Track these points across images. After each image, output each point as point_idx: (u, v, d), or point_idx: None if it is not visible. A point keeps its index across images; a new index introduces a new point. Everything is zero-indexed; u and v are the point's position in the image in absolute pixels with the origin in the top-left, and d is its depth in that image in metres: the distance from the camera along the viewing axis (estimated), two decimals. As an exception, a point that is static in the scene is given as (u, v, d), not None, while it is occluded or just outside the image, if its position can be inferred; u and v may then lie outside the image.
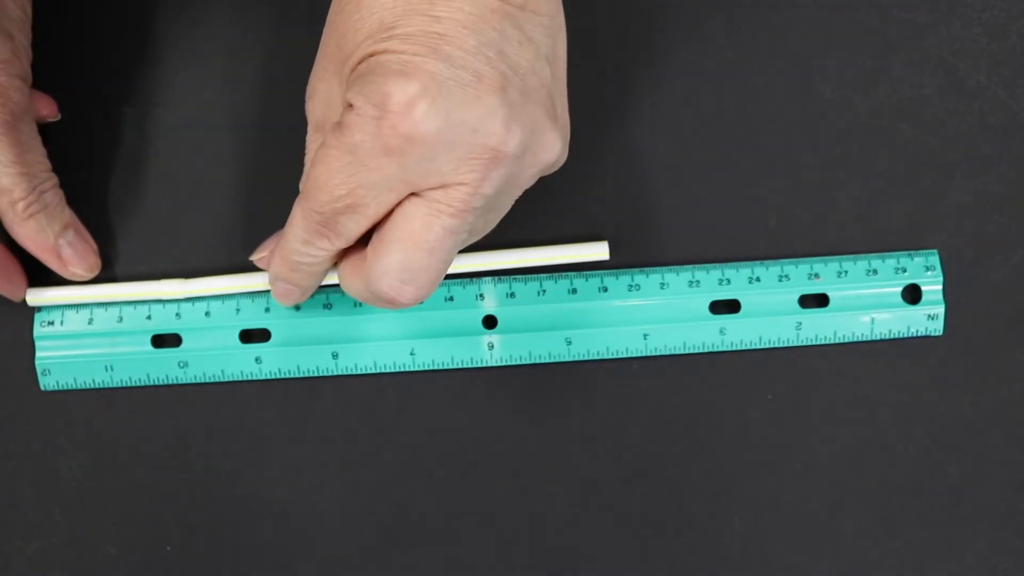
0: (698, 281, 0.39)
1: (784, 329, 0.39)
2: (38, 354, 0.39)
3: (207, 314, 0.39)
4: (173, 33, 0.40)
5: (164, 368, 0.39)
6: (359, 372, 0.39)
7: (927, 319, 0.39)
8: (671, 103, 0.40)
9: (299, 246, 0.33)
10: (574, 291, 0.39)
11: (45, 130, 0.38)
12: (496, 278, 0.39)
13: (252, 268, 0.38)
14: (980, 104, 0.40)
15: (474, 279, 0.39)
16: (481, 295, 0.39)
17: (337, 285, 0.37)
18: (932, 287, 0.39)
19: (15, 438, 0.39)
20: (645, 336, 0.39)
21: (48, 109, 0.39)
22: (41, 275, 0.39)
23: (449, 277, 0.39)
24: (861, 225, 0.40)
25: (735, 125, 0.40)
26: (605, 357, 0.39)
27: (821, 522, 0.39)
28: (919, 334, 0.39)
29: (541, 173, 0.32)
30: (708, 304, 0.39)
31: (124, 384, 0.39)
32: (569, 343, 0.39)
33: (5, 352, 0.39)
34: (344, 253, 0.34)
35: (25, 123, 0.36)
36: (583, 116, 0.39)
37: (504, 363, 0.39)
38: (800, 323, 0.39)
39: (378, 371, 0.39)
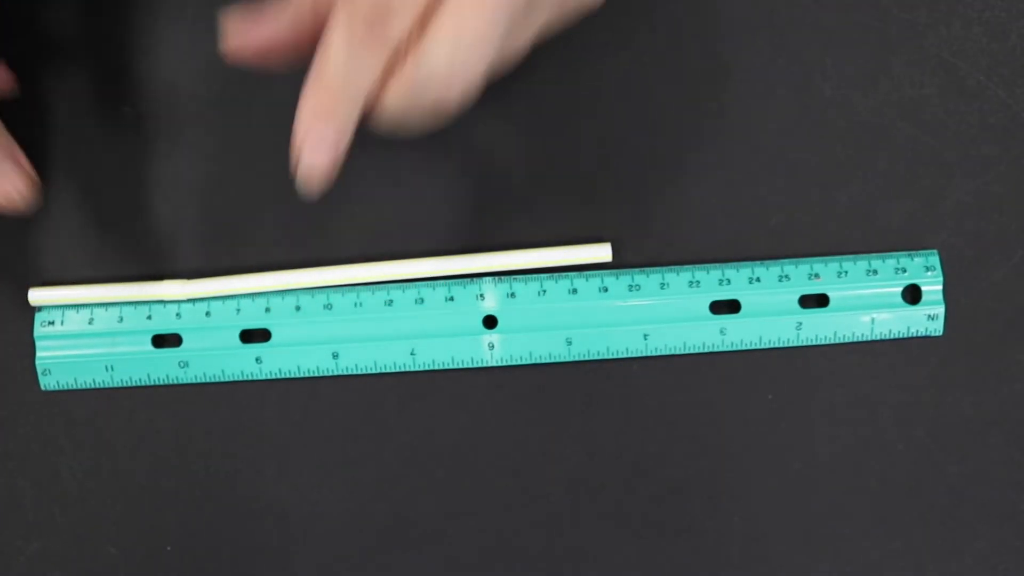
0: (698, 281, 0.39)
1: (784, 329, 0.39)
2: (38, 354, 0.39)
3: (207, 314, 0.39)
4: (173, 33, 0.40)
5: (164, 368, 0.39)
6: (359, 372, 0.39)
7: (927, 319, 0.39)
8: (671, 102, 0.40)
9: (344, 64, 0.31)
10: (574, 291, 0.39)
11: (46, 133, 0.38)
12: (496, 278, 0.39)
13: (252, 268, 0.38)
14: (980, 104, 0.40)
15: (474, 279, 0.39)
16: (481, 295, 0.39)
17: (337, 286, 0.37)
18: (932, 287, 0.39)
19: (15, 438, 0.39)
20: (645, 336, 0.39)
21: (3, 81, 0.37)
22: (42, 275, 0.39)
23: (449, 277, 0.39)
24: (861, 225, 0.40)
25: (735, 124, 0.40)
26: (605, 357, 0.39)
27: (821, 522, 0.39)
28: (919, 334, 0.39)
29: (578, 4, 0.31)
30: (708, 304, 0.39)
31: (124, 384, 0.39)
32: (569, 343, 0.39)
33: (5, 352, 0.39)
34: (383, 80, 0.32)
35: None
36: (583, 115, 0.39)
37: (504, 363, 0.39)
38: (800, 323, 0.39)
39: (378, 371, 0.39)
